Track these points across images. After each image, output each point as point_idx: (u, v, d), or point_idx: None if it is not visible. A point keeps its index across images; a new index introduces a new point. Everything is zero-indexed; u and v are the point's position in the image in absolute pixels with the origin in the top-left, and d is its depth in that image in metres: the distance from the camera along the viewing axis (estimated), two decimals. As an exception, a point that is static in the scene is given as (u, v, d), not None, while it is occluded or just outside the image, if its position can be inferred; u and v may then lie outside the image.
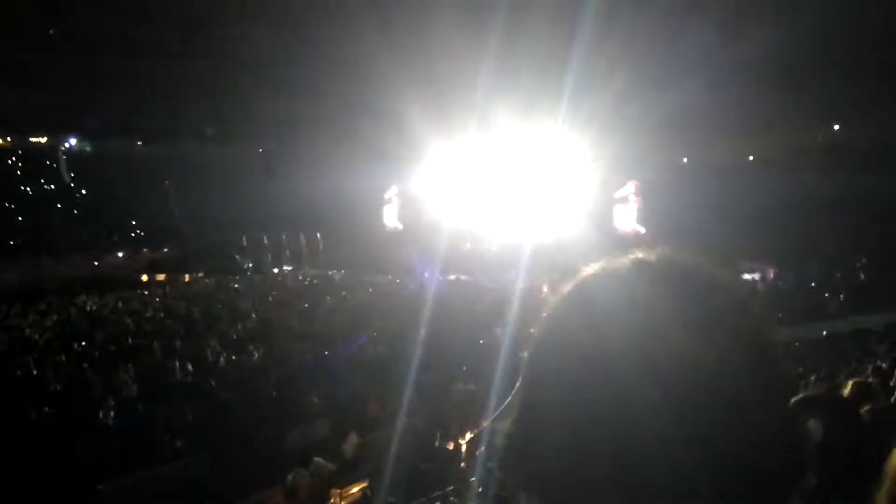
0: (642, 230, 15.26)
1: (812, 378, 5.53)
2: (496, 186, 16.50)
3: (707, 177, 14.22)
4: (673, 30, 13.55)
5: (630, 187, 15.50)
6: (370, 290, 12.20)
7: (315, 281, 13.88)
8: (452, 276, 14.10)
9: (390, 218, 18.25)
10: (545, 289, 12.83)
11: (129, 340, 7.36)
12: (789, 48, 13.04)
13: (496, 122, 14.97)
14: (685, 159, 16.66)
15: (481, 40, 13.18)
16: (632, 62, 12.94)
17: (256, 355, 7.30)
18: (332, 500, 3.87)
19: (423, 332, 7.79)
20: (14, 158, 21.35)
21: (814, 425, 1.55)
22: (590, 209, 15.10)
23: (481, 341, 8.52)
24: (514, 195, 16.41)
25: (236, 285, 13.54)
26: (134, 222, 19.41)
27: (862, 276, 12.26)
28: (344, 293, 11.78)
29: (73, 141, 21.65)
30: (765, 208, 13.29)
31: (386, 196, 18.23)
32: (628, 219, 15.60)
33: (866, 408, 1.47)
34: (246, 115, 17.31)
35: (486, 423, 5.95)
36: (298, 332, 8.55)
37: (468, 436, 5.83)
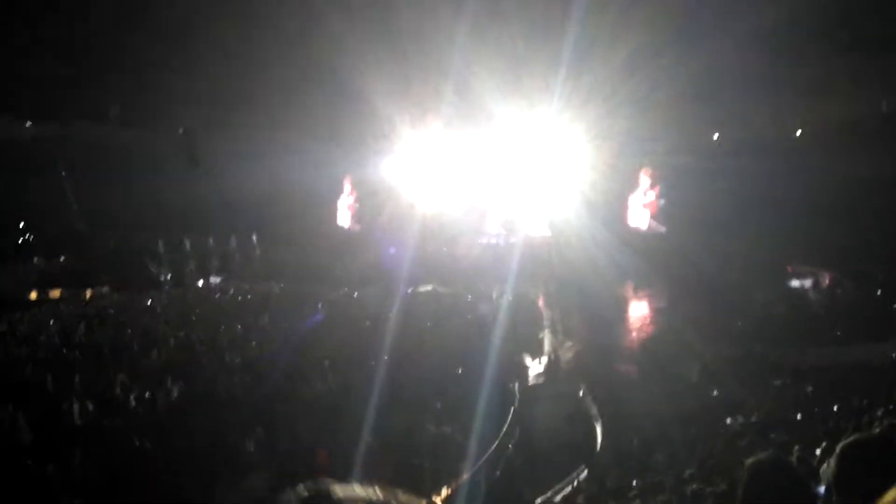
0: (662, 229, 15.49)
1: (879, 413, 5.74)
2: (477, 176, 16.88)
3: (743, 158, 14.30)
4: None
5: (645, 176, 15.77)
6: (319, 305, 12.21)
7: (249, 296, 13.85)
8: (426, 287, 14.19)
9: (345, 216, 18.39)
10: (539, 302, 13.26)
11: (14, 375, 7.29)
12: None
13: (475, 97, 15.32)
14: (715, 136, 16.76)
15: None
16: (642, 12, 13.14)
17: (175, 391, 7.28)
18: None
19: (386, 359, 8.39)
20: None
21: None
22: (594, 202, 15.40)
23: (459, 370, 8.69)
24: (499, 186, 16.76)
25: (150, 302, 13.47)
26: (20, 224, 19.21)
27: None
28: (286, 310, 11.84)
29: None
30: (818, 198, 13.43)
31: (340, 189, 18.39)
32: (644, 215, 15.80)
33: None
34: (163, 87, 17.11)
35: (465, 477, 6.08)
36: (228, 362, 8.64)
37: (443, 492, 5.85)
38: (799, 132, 16.69)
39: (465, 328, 10.63)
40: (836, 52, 14.67)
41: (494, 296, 12.86)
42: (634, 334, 12.19)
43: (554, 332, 11.75)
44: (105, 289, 16.18)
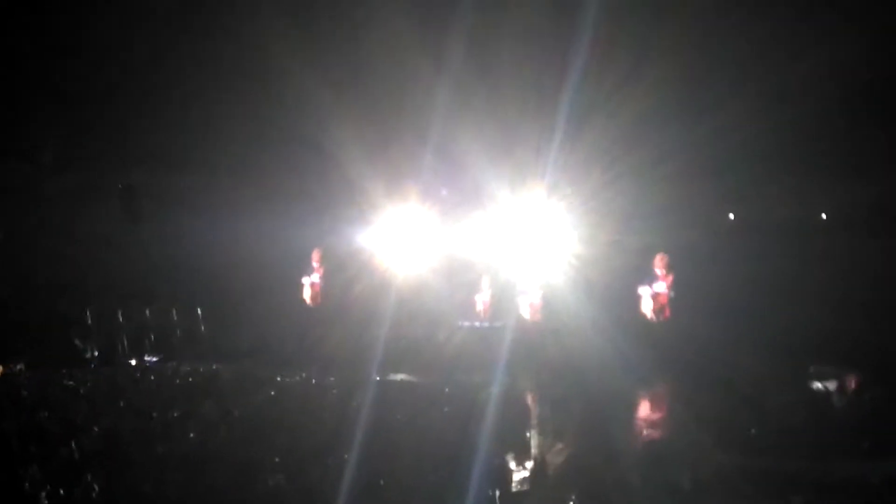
0: (669, 315, 15.84)
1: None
2: (463, 253, 17.18)
3: (762, 240, 14.83)
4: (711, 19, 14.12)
5: (651, 256, 16.10)
6: (272, 393, 12.32)
7: (191, 378, 13.90)
8: (398, 376, 14.39)
9: (309, 292, 18.52)
10: (528, 396, 13.34)
11: None
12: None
13: (461, 163, 15.99)
14: (731, 215, 17.34)
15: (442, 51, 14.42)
16: (650, 72, 13.84)
17: (96, 489, 7.26)
18: None
19: (347, 458, 8.57)
20: None
21: None
22: (594, 283, 15.85)
23: (432, 474, 8.63)
24: (487, 263, 17.08)
25: (73, 382, 13.41)
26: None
27: None
28: (233, 396, 11.97)
29: None
30: (846, 288, 13.66)
31: (304, 261, 18.59)
32: (650, 299, 16.07)
33: None
34: (101, 133, 17.24)
35: None
36: (161, 455, 8.71)
37: None
38: (825, 214, 16.84)
39: (440, 424, 10.70)
40: (869, 125, 15.03)
41: (476, 388, 12.88)
42: (635, 436, 12.17)
43: (543, 431, 11.73)
44: (20, 366, 15.94)
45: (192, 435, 9.76)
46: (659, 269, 15.93)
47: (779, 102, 13.88)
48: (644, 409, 13.43)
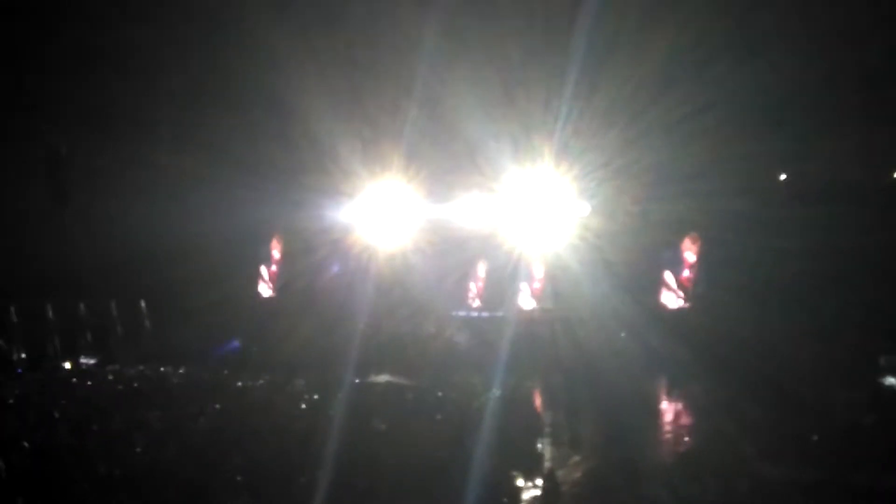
0: (707, 302, 15.77)
1: None
2: (456, 231, 17.21)
3: (820, 207, 14.53)
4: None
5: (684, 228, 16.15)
6: (231, 401, 12.31)
7: (135, 383, 13.90)
8: (380, 378, 14.36)
9: (271, 280, 18.63)
10: (537, 400, 13.19)
11: None
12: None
13: (454, 120, 15.89)
14: (782, 176, 17.13)
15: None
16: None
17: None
18: None
19: (320, 476, 8.46)
20: None
21: None
22: (614, 264, 15.78)
23: (422, 495, 8.60)
24: (485, 243, 17.02)
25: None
26: None
27: None
28: (184, 404, 12.01)
29: None
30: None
31: (265, 244, 18.67)
32: (683, 283, 16.11)
33: None
34: (21, 89, 17.17)
35: None
36: (101, 475, 8.78)
37: None
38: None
39: (431, 435, 10.67)
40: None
41: (474, 391, 12.96)
42: (667, 447, 12.20)
43: (555, 442, 11.72)
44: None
45: (137, 451, 9.85)
46: (690, 250, 15.99)
47: (841, 40, 13.72)
48: (674, 414, 13.57)
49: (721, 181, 15.34)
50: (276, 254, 18.48)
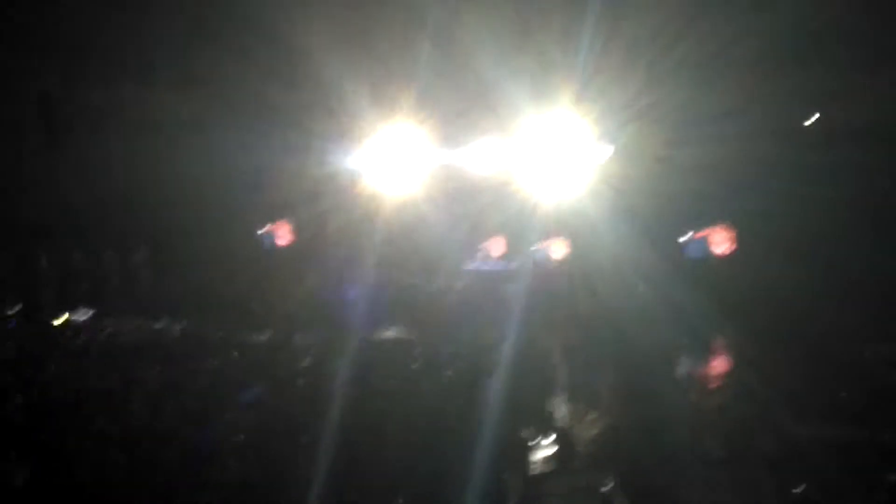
0: (734, 251, 16.09)
1: None
2: (468, 177, 17.14)
3: (856, 150, 14.52)
4: None
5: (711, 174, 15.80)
6: (232, 358, 12.83)
7: (132, 340, 14.30)
8: (389, 334, 14.81)
9: (276, 228, 18.68)
10: (554, 356, 13.39)
11: None
12: None
13: (467, 59, 15.83)
14: (814, 117, 16.92)
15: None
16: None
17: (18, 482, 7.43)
18: None
19: (330, 438, 8.93)
20: None
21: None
22: (636, 212, 15.86)
23: (433, 455, 9.03)
24: (498, 190, 16.76)
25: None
26: None
27: None
28: (186, 361, 12.39)
29: None
30: None
31: (269, 190, 18.26)
32: (710, 231, 16.28)
33: None
34: (8, 25, 17.09)
35: None
36: (97, 438, 9.09)
37: None
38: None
39: (441, 393, 11.11)
40: None
41: (486, 347, 13.16)
42: (688, 404, 12.47)
43: (573, 399, 12.11)
44: None
45: (135, 412, 10.18)
46: (718, 197, 15.76)
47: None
48: (699, 372, 13.69)
49: (750, 123, 15.33)
50: (278, 201, 18.27)
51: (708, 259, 16.08)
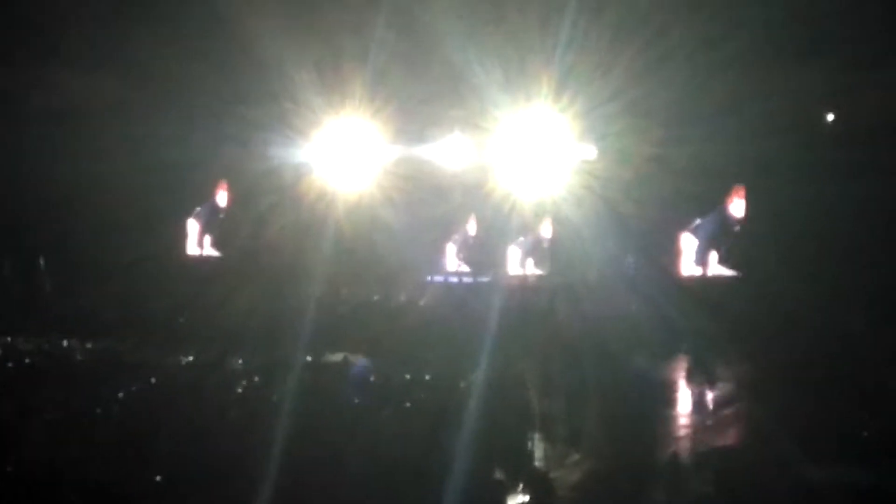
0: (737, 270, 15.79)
1: None
2: (436, 180, 17.18)
3: (876, 153, 14.58)
4: None
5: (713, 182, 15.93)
6: (151, 384, 12.28)
7: (33, 361, 13.76)
8: (335, 356, 14.20)
9: (206, 235, 18.26)
10: (530, 386, 12.40)
11: None
12: None
13: (434, 48, 15.97)
14: (829, 117, 16.94)
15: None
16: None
17: None
18: None
19: (263, 480, 8.46)
20: None
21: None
22: (626, 222, 15.81)
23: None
24: (470, 195, 16.99)
25: None
26: None
27: None
28: (94, 390, 11.83)
29: None
30: None
31: (201, 192, 18.28)
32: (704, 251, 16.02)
33: None
34: None
35: None
36: None
37: None
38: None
39: (400, 427, 10.73)
40: None
41: (453, 374, 12.89)
42: (684, 443, 12.06)
43: (551, 437, 11.68)
44: None
45: (34, 445, 9.80)
46: (719, 203, 15.86)
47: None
48: (696, 404, 13.54)
49: (753, 121, 15.32)
50: (211, 202, 18.10)
51: (706, 271, 15.99)
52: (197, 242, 18.23)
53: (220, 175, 18.01)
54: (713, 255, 15.90)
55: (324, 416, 10.81)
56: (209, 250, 18.26)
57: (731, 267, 16.03)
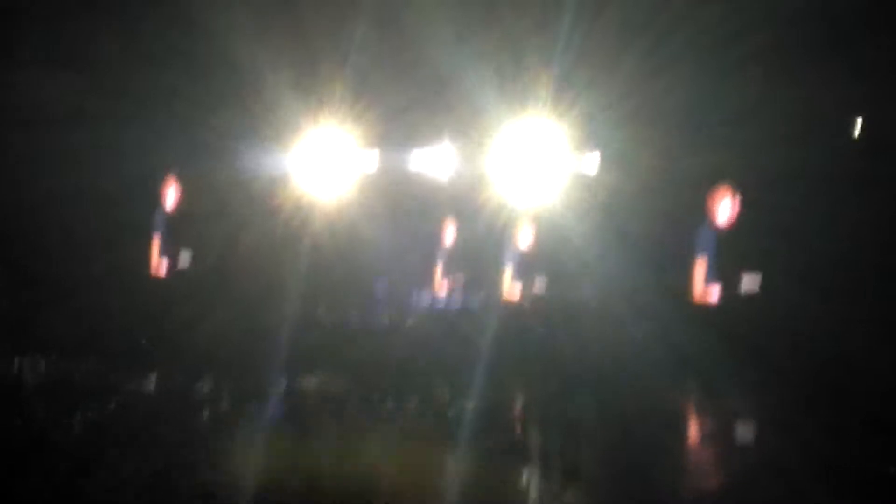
0: (753, 288, 15.42)
1: None
2: (420, 194, 17.38)
3: None
4: None
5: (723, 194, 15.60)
6: (108, 411, 12.06)
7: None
8: (311, 384, 14.08)
9: (166, 256, 17.99)
10: (522, 417, 12.91)
11: None
12: None
13: (418, 50, 16.03)
14: (858, 122, 16.62)
15: None
16: None
17: None
18: None
19: None
20: None
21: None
22: (629, 240, 15.70)
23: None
24: (457, 211, 17.22)
25: None
26: None
27: None
28: (46, 417, 11.61)
29: None
30: None
31: (162, 209, 18.03)
32: (716, 271, 15.61)
33: None
34: None
35: None
36: None
37: None
38: None
39: (381, 462, 10.33)
40: None
41: (440, 404, 12.79)
42: (698, 483, 11.78)
43: (548, 474, 11.15)
44: None
45: None
46: (732, 218, 15.46)
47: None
48: (712, 441, 13.30)
49: (773, 128, 15.20)
50: (176, 216, 17.85)
51: (719, 293, 15.59)
52: (162, 258, 18.00)
53: (186, 186, 17.88)
54: (723, 273, 15.58)
55: (297, 449, 10.64)
56: (176, 267, 17.98)
57: (739, 290, 15.57)
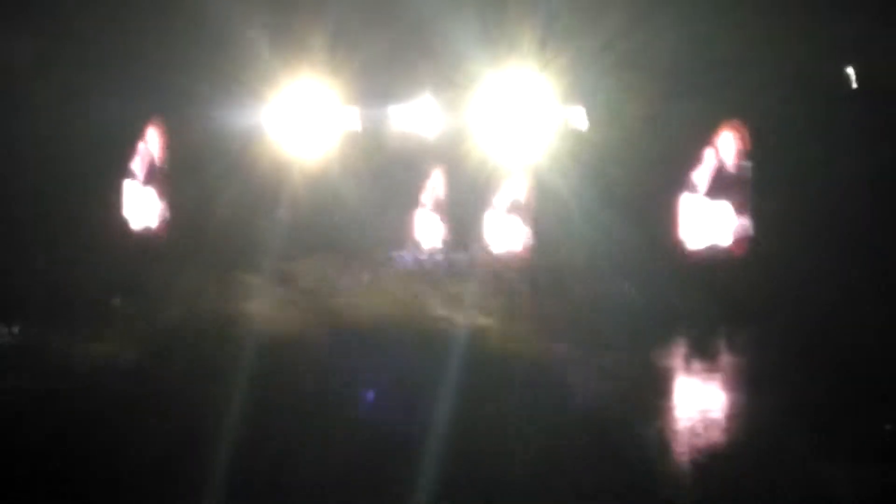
0: (751, 238, 14.79)
1: None
2: (404, 145, 17.38)
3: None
4: None
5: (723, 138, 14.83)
6: (80, 380, 11.43)
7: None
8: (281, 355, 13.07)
9: (140, 206, 17.14)
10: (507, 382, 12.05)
11: None
12: None
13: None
14: (849, 70, 16.69)
15: None
16: None
17: None
18: None
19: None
20: None
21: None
22: (622, 191, 15.48)
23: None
24: (441, 160, 17.08)
25: None
26: None
27: None
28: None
29: None
30: None
31: (134, 163, 17.03)
32: (718, 214, 14.94)
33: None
34: None
35: None
36: None
37: None
38: None
39: (352, 440, 9.53)
40: None
41: (418, 370, 11.98)
42: (686, 441, 11.11)
43: (530, 434, 10.34)
44: None
45: None
46: (723, 168, 14.70)
47: None
48: (701, 398, 12.74)
49: (763, 74, 15.34)
50: (150, 169, 16.83)
51: (711, 246, 14.94)
52: (135, 213, 17.03)
53: (161, 138, 16.68)
54: (719, 216, 15.13)
55: (261, 420, 9.63)
56: (150, 222, 17.02)
57: (731, 242, 15.19)
